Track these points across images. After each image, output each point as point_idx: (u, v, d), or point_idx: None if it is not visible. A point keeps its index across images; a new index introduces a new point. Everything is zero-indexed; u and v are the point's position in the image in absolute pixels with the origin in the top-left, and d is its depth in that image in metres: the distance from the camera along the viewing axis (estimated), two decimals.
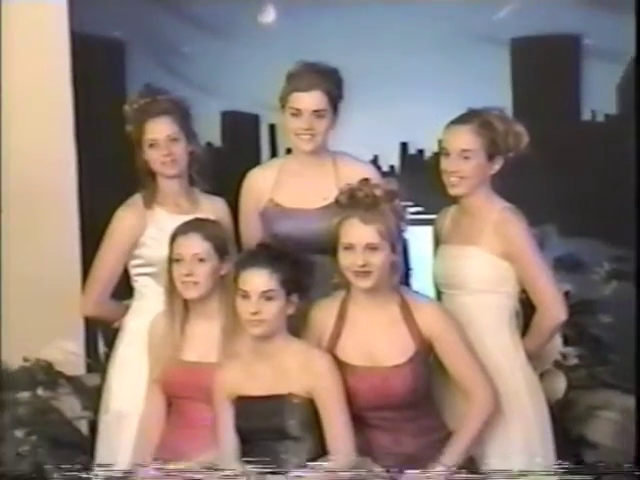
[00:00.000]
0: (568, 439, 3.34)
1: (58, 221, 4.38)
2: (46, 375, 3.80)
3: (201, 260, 3.20)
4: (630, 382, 3.56)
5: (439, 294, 3.37)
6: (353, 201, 3.09)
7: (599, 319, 3.84)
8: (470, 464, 3.12)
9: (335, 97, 3.39)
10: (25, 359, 3.82)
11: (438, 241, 3.41)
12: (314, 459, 3.08)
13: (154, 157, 3.44)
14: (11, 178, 4.34)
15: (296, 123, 3.37)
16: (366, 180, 3.14)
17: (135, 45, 4.46)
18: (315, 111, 3.35)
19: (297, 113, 3.36)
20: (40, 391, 3.77)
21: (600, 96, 4.36)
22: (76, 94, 4.36)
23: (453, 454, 3.11)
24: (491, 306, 3.27)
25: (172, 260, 3.22)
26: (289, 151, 3.58)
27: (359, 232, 3.06)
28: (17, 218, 4.37)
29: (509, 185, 3.28)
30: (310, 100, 3.35)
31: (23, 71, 4.36)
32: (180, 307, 3.26)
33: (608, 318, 3.88)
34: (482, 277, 3.25)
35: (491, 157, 3.24)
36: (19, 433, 3.70)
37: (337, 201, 3.15)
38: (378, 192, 3.09)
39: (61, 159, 4.38)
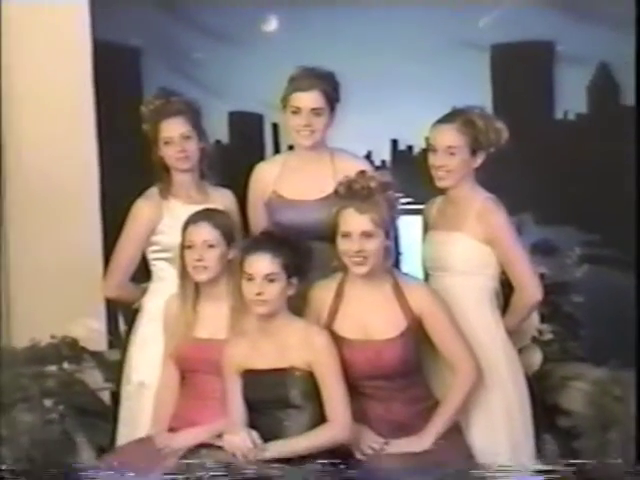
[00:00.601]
0: (544, 407, 3.33)
1: (82, 212, 4.38)
2: (71, 350, 3.80)
3: (210, 246, 3.20)
4: (599, 355, 3.56)
5: (427, 276, 3.37)
6: (350, 192, 3.10)
7: (571, 299, 3.85)
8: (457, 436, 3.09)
9: (332, 97, 3.40)
10: (52, 336, 3.81)
11: (426, 228, 3.41)
12: (314, 426, 3.08)
13: (169, 153, 3.44)
14: (42, 172, 4.34)
15: (296, 120, 3.37)
16: (362, 173, 3.16)
17: (151, 52, 4.44)
18: (313, 109, 3.35)
19: (297, 111, 3.36)
20: (66, 365, 3.77)
21: (571, 97, 4.35)
22: (97, 96, 4.36)
23: (440, 421, 3.13)
24: (474, 287, 3.27)
25: (184, 246, 3.22)
26: (291, 148, 3.59)
27: (355, 221, 3.07)
28: (46, 209, 4.36)
29: (491, 177, 3.28)
30: (309, 99, 3.35)
31: (49, 74, 4.36)
32: (192, 289, 3.26)
33: (579, 298, 3.89)
34: (466, 260, 3.26)
35: (474, 152, 3.25)
36: (48, 402, 3.69)
37: (336, 192, 3.17)
38: (373, 184, 3.10)
39: (84, 154, 4.38)
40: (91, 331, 3.88)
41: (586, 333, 3.78)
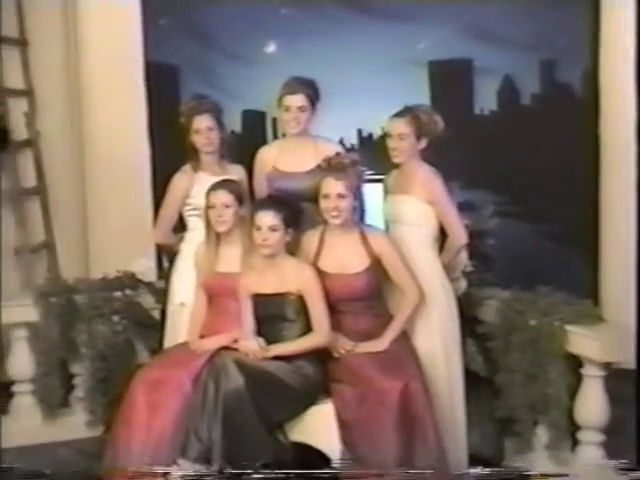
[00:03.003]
0: (467, 318, 3.23)
1: (138, 182, 4.26)
2: (131, 281, 3.70)
3: (227, 206, 3.11)
4: (506, 282, 3.44)
5: (387, 226, 3.26)
6: (329, 166, 3.05)
7: (486, 242, 3.76)
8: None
9: (313, 98, 3.28)
10: (118, 271, 3.70)
11: (386, 193, 3.30)
12: (303, 334, 3.01)
13: (198, 140, 3.33)
14: (111, 153, 4.23)
15: (287, 115, 3.27)
16: (337, 153, 3.13)
17: (186, 68, 4.35)
18: (299, 107, 3.24)
19: (288, 109, 3.26)
20: (127, 291, 3.66)
21: (485, 99, 4.28)
22: (149, 99, 4.25)
23: (393, 329, 3.06)
24: (420, 234, 3.16)
25: (208, 207, 3.13)
26: (284, 135, 3.45)
27: (333, 186, 3.00)
28: (115, 180, 4.26)
29: (431, 156, 3.18)
30: (295, 100, 3.24)
31: (117, 82, 4.24)
32: (214, 237, 3.16)
33: (492, 241, 3.81)
34: (414, 215, 3.15)
35: (419, 138, 3.14)
36: (115, 318, 3.60)
37: (319, 166, 3.11)
38: (345, 160, 3.05)
39: (140, 141, 4.27)
40: (145, 267, 3.77)
41: (496, 266, 3.71)
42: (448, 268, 3.18)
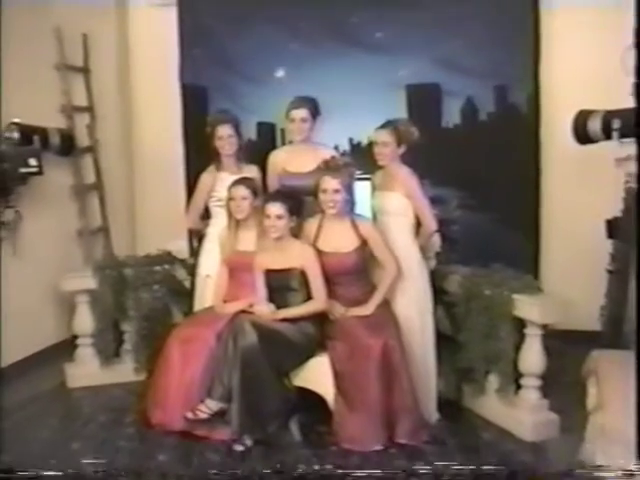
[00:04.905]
0: (436, 289, 3.07)
1: (173, 178, 4.12)
2: (168, 258, 3.56)
3: (244, 199, 3.00)
4: (467, 260, 3.28)
5: (374, 217, 3.10)
6: (327, 167, 2.93)
7: (451, 228, 3.67)
8: None
9: (314, 113, 3.15)
10: (158, 250, 3.57)
11: (373, 189, 3.14)
12: (305, 301, 2.91)
13: (220, 145, 3.21)
14: (155, 154, 4.17)
15: (292, 126, 3.15)
16: (334, 157, 3.01)
17: (213, 88, 4.12)
18: (302, 119, 3.12)
19: (293, 120, 3.14)
20: (166, 266, 3.51)
21: (450, 115, 4.03)
22: (184, 113, 4.14)
23: (377, 297, 2.94)
24: (400, 222, 3.01)
25: (229, 199, 3.03)
26: (290, 142, 3.31)
27: (330, 183, 2.89)
28: (152, 177, 4.20)
29: (409, 159, 3.02)
30: (299, 113, 3.12)
31: (159, 102, 4.17)
32: (234, 223, 3.05)
33: (455, 228, 3.73)
34: (395, 207, 3.01)
35: (399, 145, 3.00)
36: (156, 287, 3.45)
37: (318, 167, 2.99)
38: (340, 162, 2.94)
39: (176, 145, 4.13)
40: (179, 247, 3.64)
41: (459, 248, 3.58)
42: (424, 249, 3.05)
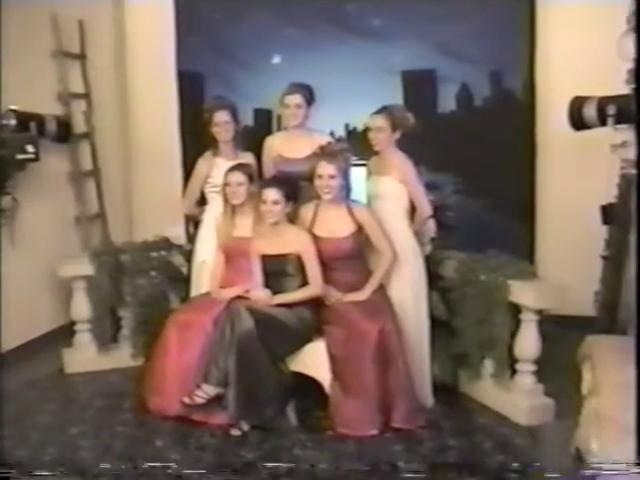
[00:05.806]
0: (431, 274, 3.04)
1: (171, 164, 4.11)
2: (165, 244, 3.50)
3: (240, 184, 2.95)
4: (462, 245, 3.22)
5: (369, 201, 3.05)
6: (323, 153, 2.88)
7: (446, 214, 3.58)
8: None
9: (308, 99, 3.11)
10: (155, 236, 3.52)
11: (369, 174, 3.09)
12: (301, 287, 2.87)
13: (217, 131, 3.16)
14: (151, 139, 4.14)
15: (287, 111, 3.11)
16: (329, 143, 2.97)
17: (209, 75, 4.11)
18: (296, 104, 3.08)
19: (287, 106, 3.10)
20: (163, 252, 3.46)
21: (446, 101, 3.99)
22: (180, 99, 4.11)
23: (373, 283, 2.90)
24: (395, 207, 2.97)
25: (225, 185, 2.98)
26: (285, 129, 3.24)
27: (325, 168, 2.84)
28: (149, 163, 4.16)
29: (404, 145, 2.98)
30: (293, 98, 3.08)
31: (157, 88, 4.12)
32: (230, 209, 3.00)
33: (451, 213, 3.65)
34: (390, 192, 2.97)
35: (394, 130, 2.95)
36: (153, 273, 3.40)
37: (314, 153, 2.93)
38: (335, 148, 2.90)
39: (172, 132, 4.12)
40: (176, 233, 3.56)
41: (455, 232, 3.52)
42: (419, 234, 3.02)
